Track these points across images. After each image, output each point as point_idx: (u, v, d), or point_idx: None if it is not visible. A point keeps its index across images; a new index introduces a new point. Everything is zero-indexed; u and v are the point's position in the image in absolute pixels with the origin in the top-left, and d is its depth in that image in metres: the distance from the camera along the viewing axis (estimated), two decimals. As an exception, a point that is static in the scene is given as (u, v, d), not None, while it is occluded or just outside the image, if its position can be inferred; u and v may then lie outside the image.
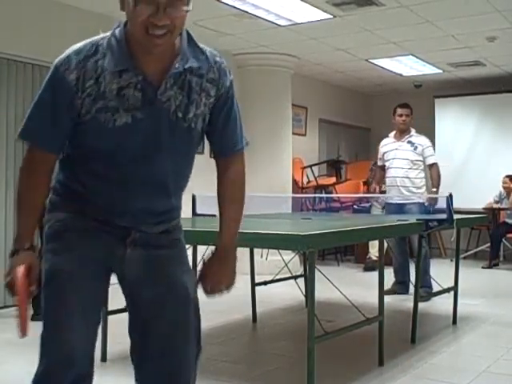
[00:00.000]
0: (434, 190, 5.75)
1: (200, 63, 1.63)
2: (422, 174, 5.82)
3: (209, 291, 1.76)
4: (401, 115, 5.80)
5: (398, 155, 5.78)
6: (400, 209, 5.64)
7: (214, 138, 1.81)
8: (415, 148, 5.73)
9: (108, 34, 1.60)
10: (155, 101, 1.57)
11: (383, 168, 6.01)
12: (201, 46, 1.67)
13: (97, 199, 1.66)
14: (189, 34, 1.63)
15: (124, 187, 1.65)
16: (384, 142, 6.02)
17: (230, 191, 1.84)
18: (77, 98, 1.54)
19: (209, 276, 1.77)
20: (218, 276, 1.77)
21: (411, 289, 5.70)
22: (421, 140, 5.81)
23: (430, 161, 5.79)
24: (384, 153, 5.92)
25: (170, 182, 1.72)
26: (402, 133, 5.82)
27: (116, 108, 1.55)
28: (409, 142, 5.77)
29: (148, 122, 1.58)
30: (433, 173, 5.81)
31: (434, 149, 6.16)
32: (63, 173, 1.70)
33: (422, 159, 5.76)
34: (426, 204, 5.67)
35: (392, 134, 5.94)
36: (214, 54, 1.69)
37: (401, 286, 5.82)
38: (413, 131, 5.84)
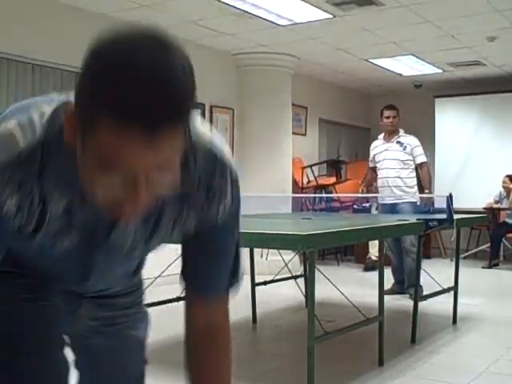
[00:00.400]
0: (427, 191, 5.81)
1: None
2: (413, 174, 5.88)
3: None
4: (388, 117, 5.88)
5: (388, 156, 5.84)
6: (393, 209, 5.69)
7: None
8: (404, 148, 5.80)
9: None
10: None
11: (374, 170, 6.09)
12: None
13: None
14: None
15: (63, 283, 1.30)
16: (374, 144, 6.11)
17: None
18: None
19: None
20: None
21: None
22: (409, 140, 5.86)
23: (419, 160, 5.85)
24: (374, 155, 6.00)
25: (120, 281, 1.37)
26: (391, 134, 5.90)
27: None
28: (398, 142, 5.85)
29: None
30: (423, 172, 5.88)
31: (435, 149, 6.18)
32: None
33: (411, 159, 5.82)
34: (419, 203, 5.72)
35: (381, 135, 6.04)
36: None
37: (400, 286, 5.84)
38: (401, 131, 5.92)
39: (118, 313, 1.41)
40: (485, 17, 5.90)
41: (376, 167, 6.02)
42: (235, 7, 5.64)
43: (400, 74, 8.70)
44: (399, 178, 5.78)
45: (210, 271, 1.22)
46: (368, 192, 6.41)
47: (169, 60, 0.89)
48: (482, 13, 5.77)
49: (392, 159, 5.81)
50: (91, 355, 1.43)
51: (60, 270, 1.23)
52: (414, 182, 5.87)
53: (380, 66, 8.20)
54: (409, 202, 5.73)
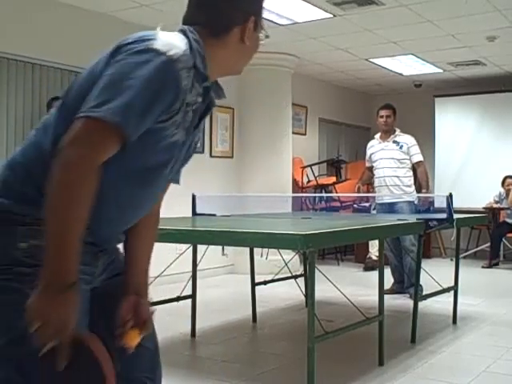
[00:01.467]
0: (424, 190, 5.81)
1: None
2: (410, 173, 5.89)
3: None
4: (382, 116, 5.90)
5: (385, 155, 5.84)
6: (391, 208, 5.69)
7: None
8: (401, 147, 5.81)
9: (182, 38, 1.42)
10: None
11: (371, 169, 6.10)
12: None
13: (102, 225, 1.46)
14: None
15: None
16: (370, 143, 6.12)
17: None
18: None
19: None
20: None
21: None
22: (406, 139, 5.87)
23: (415, 159, 5.85)
24: (371, 154, 6.01)
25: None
26: (387, 133, 5.91)
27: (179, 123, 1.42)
28: (394, 141, 5.85)
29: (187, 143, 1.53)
30: (420, 172, 5.88)
31: (435, 149, 6.18)
32: None
33: (408, 158, 5.82)
34: (416, 202, 5.73)
35: (377, 135, 6.04)
36: None
37: (400, 286, 5.85)
38: (397, 131, 5.93)
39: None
40: (485, 17, 5.90)
41: (372, 167, 6.03)
42: (235, 7, 5.63)
43: (400, 74, 8.70)
44: (396, 176, 5.78)
45: None
46: (366, 191, 6.42)
47: None
48: (482, 13, 5.77)
49: (388, 158, 5.81)
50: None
51: (150, 192, 1.51)
52: (411, 180, 5.87)
53: (380, 66, 8.20)
54: (407, 202, 5.73)
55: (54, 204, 1.24)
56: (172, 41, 1.37)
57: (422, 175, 5.87)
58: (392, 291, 5.77)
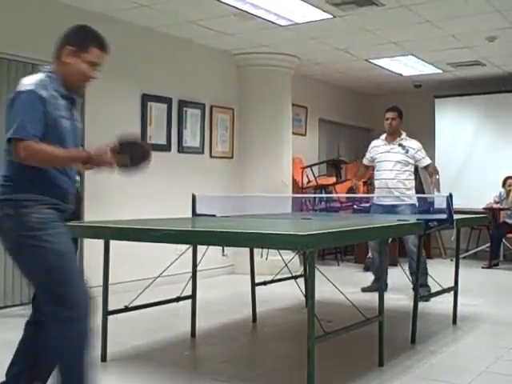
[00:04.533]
0: (435, 189, 5.79)
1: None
2: (412, 177, 5.90)
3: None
4: (387, 119, 5.89)
5: (390, 157, 5.83)
6: (391, 210, 5.63)
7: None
8: (407, 151, 5.81)
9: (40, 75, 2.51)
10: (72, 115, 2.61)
11: (367, 167, 6.13)
12: None
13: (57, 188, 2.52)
14: None
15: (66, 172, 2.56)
16: (375, 142, 6.07)
17: None
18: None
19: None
20: None
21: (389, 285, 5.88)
22: (412, 143, 5.87)
23: (424, 163, 5.88)
24: (375, 155, 5.97)
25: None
26: (392, 135, 5.89)
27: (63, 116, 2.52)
28: (400, 144, 5.84)
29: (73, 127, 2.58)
30: (431, 174, 5.88)
31: (435, 149, 6.17)
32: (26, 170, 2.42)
33: (412, 162, 5.83)
34: (417, 205, 5.73)
35: (383, 136, 6.00)
36: None
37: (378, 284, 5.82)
38: (403, 134, 5.91)
39: None
40: (485, 17, 5.90)
41: (371, 166, 6.04)
42: (235, 7, 5.64)
43: (400, 74, 8.70)
44: (399, 180, 5.77)
45: None
46: (365, 190, 6.40)
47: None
48: (482, 13, 5.77)
49: (393, 161, 5.79)
50: None
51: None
52: (412, 184, 5.89)
53: (380, 66, 8.20)
54: (409, 204, 5.71)
55: (54, 159, 2.46)
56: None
57: (433, 176, 5.81)
58: (371, 289, 5.77)
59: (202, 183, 6.66)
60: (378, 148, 5.96)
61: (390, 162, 5.81)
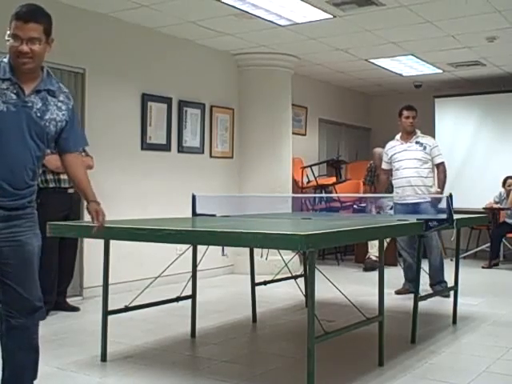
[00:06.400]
0: (439, 190, 5.80)
1: (54, 88, 2.58)
2: (432, 174, 5.89)
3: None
4: (407, 117, 5.85)
5: (409, 156, 5.80)
6: (414, 208, 5.59)
7: (60, 140, 2.67)
8: (424, 148, 5.80)
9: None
10: (23, 101, 2.48)
11: (387, 172, 6.06)
12: (55, 79, 2.62)
13: None
14: (48, 71, 2.58)
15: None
16: (391, 144, 6.01)
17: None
18: None
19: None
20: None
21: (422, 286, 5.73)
22: (428, 140, 5.90)
23: (437, 160, 5.87)
24: (392, 155, 5.91)
25: (25, 165, 2.52)
26: (409, 134, 5.87)
27: None
28: (417, 142, 5.84)
29: (17, 113, 2.47)
30: (439, 173, 5.90)
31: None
32: None
33: (430, 158, 5.83)
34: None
35: (398, 136, 5.96)
36: (62, 86, 2.66)
37: (412, 284, 5.78)
38: (418, 132, 5.91)
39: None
40: (485, 17, 5.90)
41: (391, 169, 5.96)
42: (235, 7, 5.64)
43: (400, 74, 8.70)
44: (420, 177, 5.76)
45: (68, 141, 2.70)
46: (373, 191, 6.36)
47: (39, 7, 2.48)
48: (482, 13, 5.78)
49: (413, 159, 5.77)
50: None
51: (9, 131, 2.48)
52: (432, 181, 5.88)
53: (380, 66, 8.20)
54: (431, 202, 5.67)
55: None
56: None
57: (441, 176, 5.85)
58: (406, 291, 5.73)
59: (201, 183, 6.66)
60: (395, 148, 5.91)
61: (410, 160, 5.78)
